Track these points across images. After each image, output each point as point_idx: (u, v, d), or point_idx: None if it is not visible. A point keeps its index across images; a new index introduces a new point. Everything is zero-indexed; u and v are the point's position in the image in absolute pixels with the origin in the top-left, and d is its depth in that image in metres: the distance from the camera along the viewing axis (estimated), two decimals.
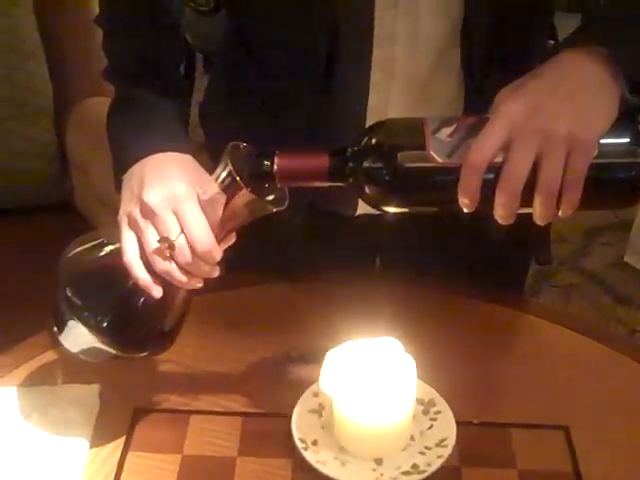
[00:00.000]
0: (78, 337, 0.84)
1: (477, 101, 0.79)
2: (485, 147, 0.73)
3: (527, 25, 0.97)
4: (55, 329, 0.85)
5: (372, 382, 0.86)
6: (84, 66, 1.80)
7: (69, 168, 1.88)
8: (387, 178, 0.77)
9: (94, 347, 0.83)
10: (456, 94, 0.98)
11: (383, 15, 0.92)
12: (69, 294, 0.82)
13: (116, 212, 0.86)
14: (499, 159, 0.73)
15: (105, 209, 1.66)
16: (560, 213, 0.74)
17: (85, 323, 0.81)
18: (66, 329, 0.84)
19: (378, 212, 0.84)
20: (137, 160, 0.88)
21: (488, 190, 0.73)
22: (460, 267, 1.12)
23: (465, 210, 0.75)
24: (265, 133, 0.81)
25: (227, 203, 0.80)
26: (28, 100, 1.80)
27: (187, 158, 0.89)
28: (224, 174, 0.79)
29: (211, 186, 0.80)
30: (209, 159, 1.03)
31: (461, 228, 1.01)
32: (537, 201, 0.72)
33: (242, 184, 0.77)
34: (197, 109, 1.17)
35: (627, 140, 0.75)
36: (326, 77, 0.96)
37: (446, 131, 0.76)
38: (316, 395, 0.93)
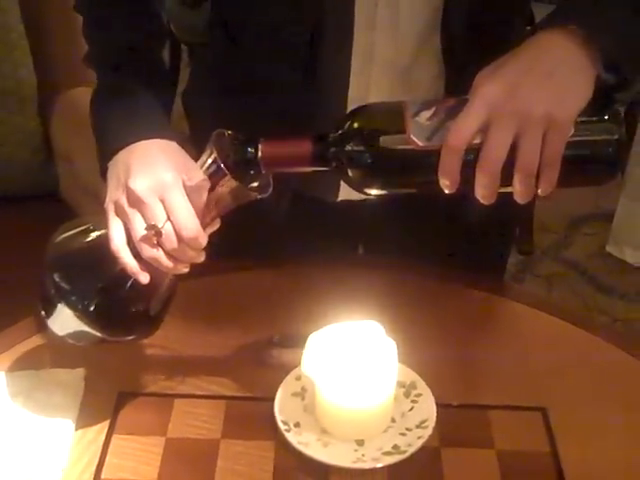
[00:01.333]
0: (65, 321, 0.84)
1: (458, 87, 0.80)
2: (463, 129, 0.74)
3: (507, 9, 0.98)
4: (42, 313, 0.86)
5: (354, 365, 0.87)
6: (68, 56, 1.79)
7: (54, 158, 1.88)
8: (368, 162, 0.78)
9: (81, 331, 0.84)
10: (437, 80, 0.99)
11: (364, 0, 0.93)
12: (56, 278, 0.83)
13: (101, 201, 0.86)
14: (478, 140, 0.74)
15: (90, 199, 1.66)
16: (540, 192, 0.75)
17: (72, 307, 0.82)
18: (54, 313, 0.85)
19: (360, 198, 0.85)
20: (122, 147, 0.88)
21: (468, 171, 0.74)
22: (442, 253, 1.13)
23: (446, 191, 0.76)
24: (249, 123, 0.82)
25: (212, 190, 0.81)
26: (13, 90, 1.80)
27: (172, 145, 0.90)
28: (209, 161, 0.80)
29: (196, 173, 0.81)
30: (193, 150, 1.04)
31: (442, 213, 1.03)
32: (516, 180, 0.74)
33: (227, 171, 0.78)
34: (180, 100, 1.17)
35: (603, 118, 0.76)
36: (308, 64, 0.97)
37: (426, 114, 0.77)
38: (298, 378, 0.94)
